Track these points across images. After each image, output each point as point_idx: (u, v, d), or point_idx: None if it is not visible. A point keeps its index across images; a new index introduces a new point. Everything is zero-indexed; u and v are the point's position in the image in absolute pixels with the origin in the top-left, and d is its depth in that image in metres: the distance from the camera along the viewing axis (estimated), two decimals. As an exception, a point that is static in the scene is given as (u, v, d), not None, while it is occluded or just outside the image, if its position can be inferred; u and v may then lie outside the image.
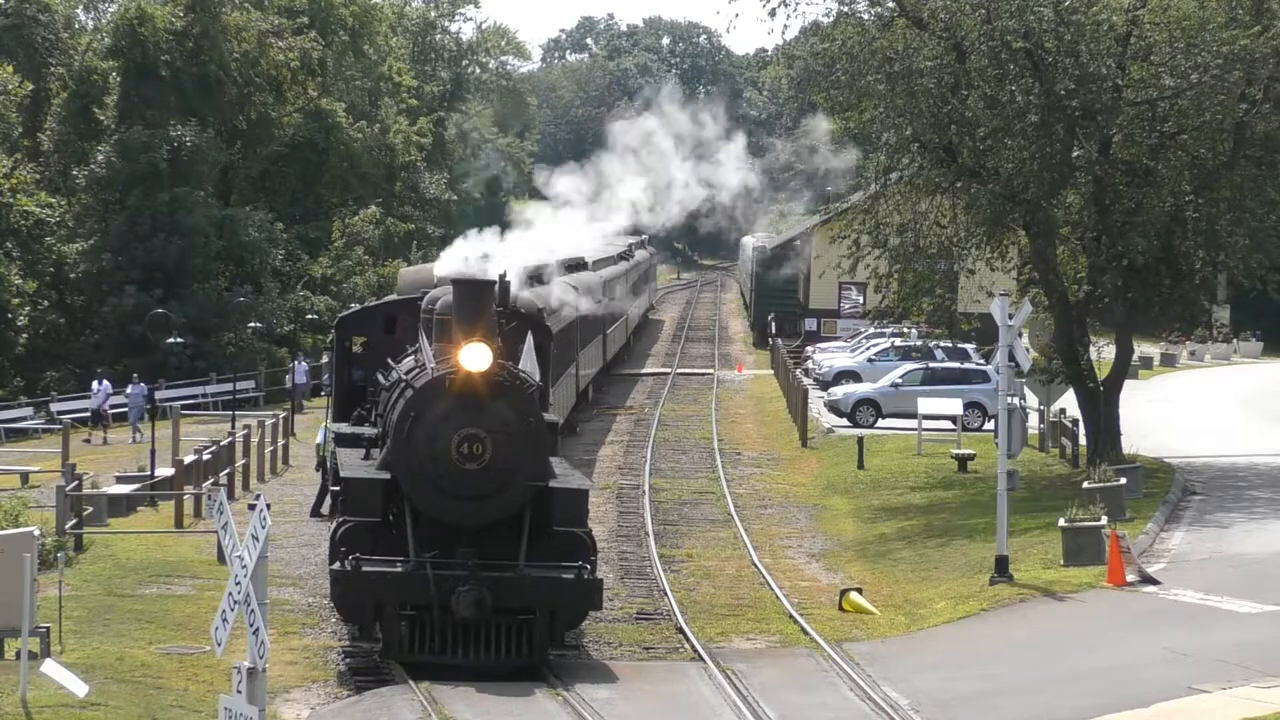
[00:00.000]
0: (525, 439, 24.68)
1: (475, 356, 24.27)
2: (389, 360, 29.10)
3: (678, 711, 22.12)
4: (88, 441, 58.59)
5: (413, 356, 28.24)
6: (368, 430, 28.75)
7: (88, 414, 65.38)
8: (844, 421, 57.52)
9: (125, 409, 63.89)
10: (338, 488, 27.18)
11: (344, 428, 29.93)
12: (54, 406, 68.04)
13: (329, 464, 32.76)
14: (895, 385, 58.07)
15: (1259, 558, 32.08)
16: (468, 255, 30.25)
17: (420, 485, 24.55)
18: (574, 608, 24.55)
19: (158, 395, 59.98)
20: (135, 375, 67.35)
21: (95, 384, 66.73)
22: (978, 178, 42.91)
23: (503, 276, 27.04)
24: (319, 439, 39.48)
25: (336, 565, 24.22)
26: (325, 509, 36.47)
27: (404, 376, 26.13)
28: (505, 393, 24.71)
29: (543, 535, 24.64)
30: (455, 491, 24.45)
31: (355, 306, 41.56)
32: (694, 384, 75.84)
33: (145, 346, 77.19)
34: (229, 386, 67.81)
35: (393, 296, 37.31)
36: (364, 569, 23.82)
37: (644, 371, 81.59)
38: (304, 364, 71.37)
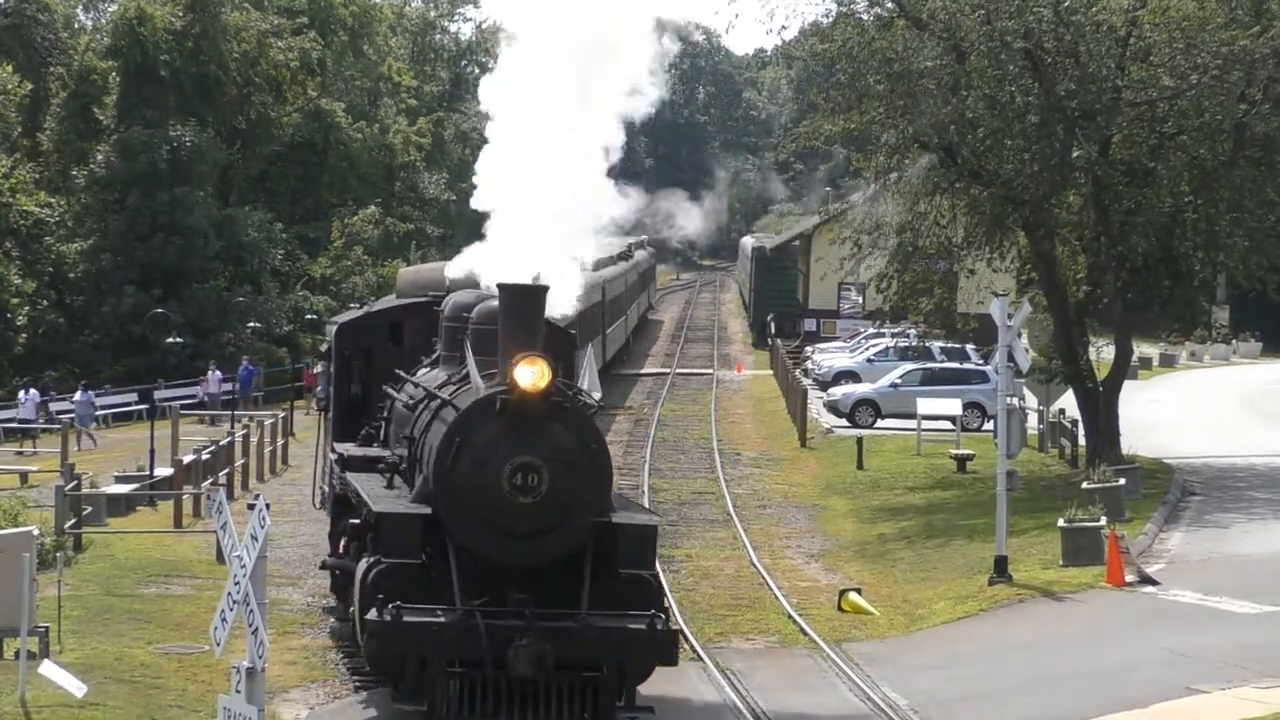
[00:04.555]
0: (586, 468, 21.01)
1: (532, 373, 20.52)
2: (398, 372, 26.55)
3: (678, 714, 22.07)
4: (20, 453, 56.72)
5: (438, 369, 25.18)
6: (380, 451, 25.68)
7: (15, 424, 63.53)
8: (843, 422, 57.55)
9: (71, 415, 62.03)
10: (356, 520, 23.30)
11: (351, 448, 26.63)
12: None
13: (332, 487, 27.79)
14: (894, 385, 58.12)
15: (1258, 558, 32.09)
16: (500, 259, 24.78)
17: (466, 521, 20.84)
18: (645, 662, 21.00)
19: (156, 395, 59.88)
20: (84, 382, 67.30)
21: (22, 393, 64.83)
22: (978, 178, 42.95)
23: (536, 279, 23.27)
24: (319, 468, 32.24)
25: (373, 614, 20.33)
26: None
27: (441, 394, 22.78)
28: (564, 415, 21.09)
29: (604, 578, 21.03)
30: (507, 528, 20.73)
31: (354, 308, 40.27)
32: (693, 384, 75.83)
33: (145, 346, 77.32)
34: (227, 386, 67.76)
35: (392, 298, 33.88)
36: (405, 619, 20.15)
37: (643, 372, 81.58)
38: (218, 373, 68.19)
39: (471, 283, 24.87)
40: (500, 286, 21.71)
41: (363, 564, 21.42)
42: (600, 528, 21.09)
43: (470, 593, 20.41)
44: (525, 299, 21.44)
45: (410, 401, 24.36)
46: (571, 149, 21.80)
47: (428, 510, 21.09)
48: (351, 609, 23.55)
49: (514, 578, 20.77)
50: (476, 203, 23.82)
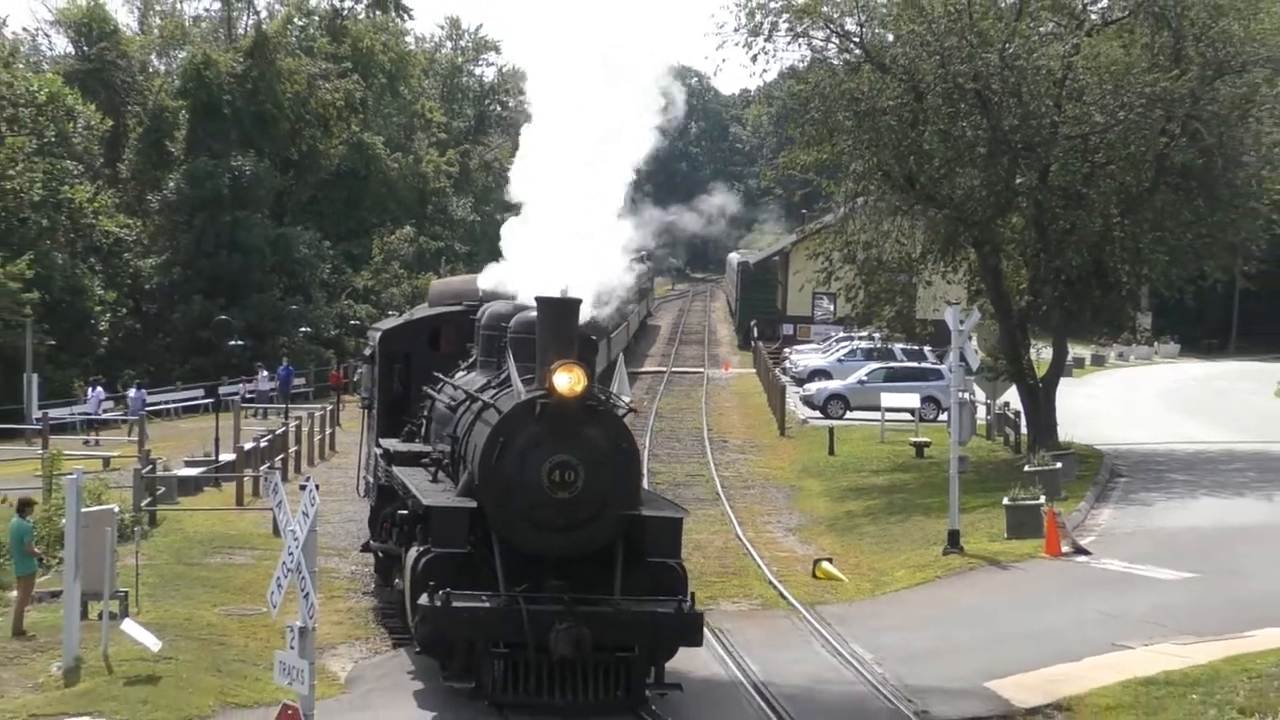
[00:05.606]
0: (618, 466, 20.36)
1: (569, 378, 19.97)
2: (436, 374, 25.90)
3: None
4: (86, 443, 55.73)
5: (475, 373, 24.44)
6: (422, 447, 25.04)
7: (84, 418, 62.13)
8: (817, 413, 57.58)
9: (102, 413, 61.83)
10: (404, 510, 22.63)
11: (395, 444, 25.83)
12: (52, 411, 61.96)
13: (376, 478, 27.19)
14: (861, 382, 58.15)
15: (1176, 531, 32.09)
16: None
17: (509, 514, 20.17)
18: (673, 643, 20.27)
19: (220, 391, 59.84)
20: (138, 382, 67.17)
21: (89, 390, 64.06)
22: (933, 202, 42.95)
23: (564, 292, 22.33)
24: (362, 460, 31.75)
25: (424, 600, 19.62)
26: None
27: (483, 397, 22.06)
28: (598, 417, 20.47)
29: (634, 566, 20.39)
30: (546, 521, 20.07)
31: (392, 315, 39.74)
32: (686, 381, 75.78)
33: (210, 348, 77.34)
34: (273, 384, 67.60)
35: (425, 306, 32.37)
36: (455, 604, 19.44)
37: (643, 370, 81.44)
38: (265, 372, 66.41)
39: (504, 294, 24.14)
40: (539, 299, 21.01)
41: (413, 553, 20.77)
42: (631, 520, 20.47)
43: (512, 580, 19.80)
44: (561, 310, 20.78)
45: (451, 402, 23.72)
46: (593, 180, 21.37)
47: (473, 504, 20.43)
48: (396, 585, 23.39)
49: (552, 566, 20.15)
50: (508, 228, 23.27)
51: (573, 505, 19.97)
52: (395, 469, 23.89)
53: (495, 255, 25.93)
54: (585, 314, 21.53)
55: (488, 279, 25.22)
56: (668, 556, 20.52)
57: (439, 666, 20.26)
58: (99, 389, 63.67)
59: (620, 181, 21.60)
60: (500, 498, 20.16)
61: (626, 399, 22.72)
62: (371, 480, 27.93)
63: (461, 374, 25.01)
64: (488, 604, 19.53)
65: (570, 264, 20.96)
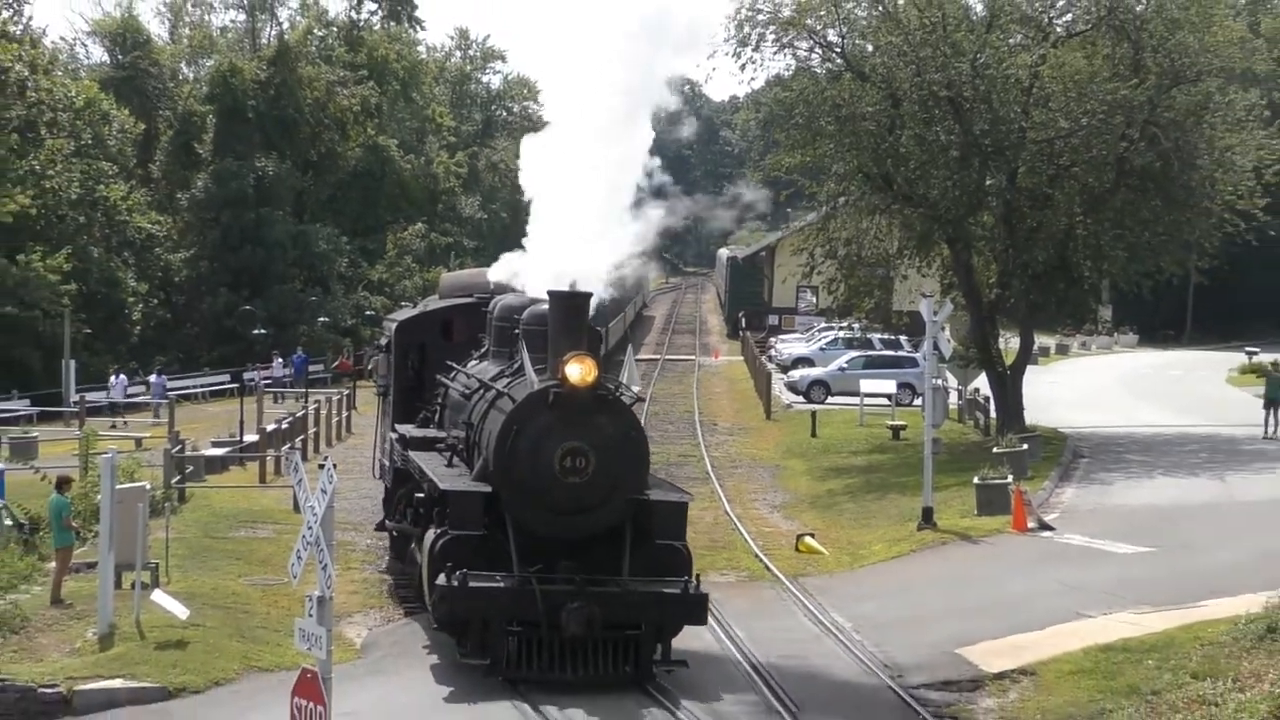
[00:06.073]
0: (627, 452, 19.98)
1: (581, 369, 19.62)
2: (449, 363, 25.53)
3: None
4: (114, 425, 55.45)
5: (487, 363, 23.99)
6: (437, 433, 24.58)
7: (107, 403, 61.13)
8: (800, 398, 57.54)
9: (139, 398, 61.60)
10: (421, 494, 22.22)
11: (411, 429, 25.31)
12: (83, 395, 62.29)
13: (393, 462, 26.59)
14: (842, 369, 58.09)
15: (1134, 508, 32.11)
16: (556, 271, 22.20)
17: (522, 498, 19.77)
18: (679, 621, 19.89)
19: (246, 375, 59.80)
20: (157, 369, 67.05)
21: (113, 378, 63.42)
22: (909, 201, 42.95)
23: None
24: (378, 443, 30.98)
25: (442, 580, 19.18)
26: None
27: (497, 386, 21.61)
28: (608, 406, 20.06)
29: (642, 547, 19.96)
30: (558, 505, 19.69)
31: (405, 306, 39.41)
32: (679, 368, 75.71)
33: (235, 336, 77.43)
34: (287, 371, 67.52)
35: (435, 298, 30.89)
36: (471, 584, 19.02)
37: (638, 358, 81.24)
38: (123, 378, 64.16)
39: (515, 288, 23.77)
40: (551, 293, 20.70)
41: (430, 535, 20.34)
42: (638, 504, 20.12)
43: (525, 561, 19.43)
44: (573, 304, 20.47)
45: (465, 390, 23.35)
46: (601, 181, 20.82)
47: (488, 488, 20.03)
48: (415, 563, 22.87)
49: (563, 547, 19.72)
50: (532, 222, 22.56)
51: (583, 490, 19.62)
52: (412, 453, 23.58)
53: (501, 250, 25.70)
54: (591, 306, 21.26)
55: (497, 272, 24.86)
56: (674, 539, 20.19)
57: (455, 643, 19.97)
58: (122, 376, 63.53)
59: (627, 182, 21.20)
60: (514, 482, 19.81)
61: (635, 388, 22.42)
62: (387, 463, 27.67)
63: (474, 363, 24.71)
64: (502, 584, 19.21)
65: (578, 259, 20.59)
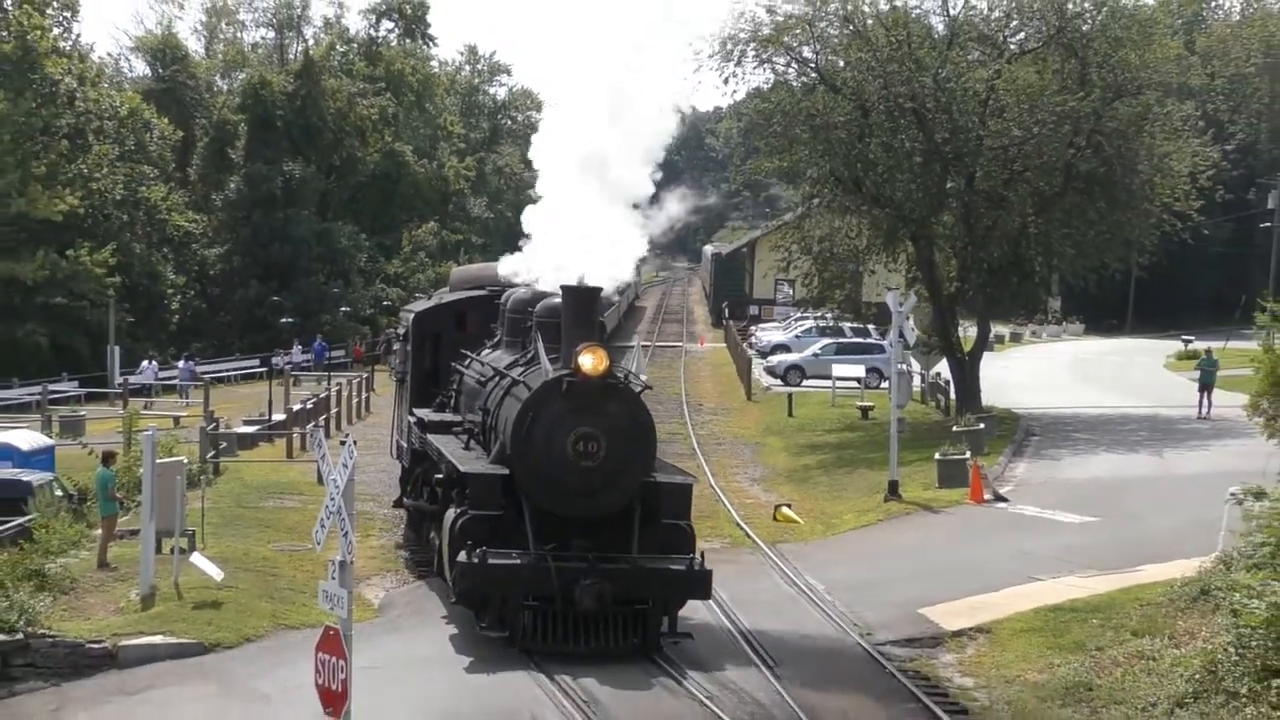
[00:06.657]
0: (636, 438, 19.65)
1: (593, 359, 19.24)
2: (464, 351, 25.24)
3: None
4: (145, 407, 55.26)
5: (500, 351, 23.54)
6: (452, 417, 24.13)
7: (139, 386, 60.23)
8: (778, 381, 57.48)
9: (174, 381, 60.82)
10: (441, 475, 21.73)
11: (428, 414, 24.91)
12: (126, 377, 60.85)
13: (410, 443, 26.13)
14: (816, 355, 58.07)
15: (1081, 482, 32.16)
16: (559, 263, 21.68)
17: (538, 481, 19.39)
18: (684, 596, 19.62)
19: (273, 360, 59.64)
20: (185, 354, 66.85)
21: (145, 363, 62.70)
22: (877, 203, 42.95)
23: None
24: (395, 426, 30.26)
25: (462, 557, 18.89)
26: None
27: (512, 374, 21.26)
28: (618, 394, 19.70)
29: (649, 526, 19.64)
30: (571, 488, 19.28)
31: (420, 297, 39.03)
32: (668, 354, 75.63)
33: (264, 325, 77.27)
34: (306, 357, 67.28)
35: (446, 290, 30.45)
36: (490, 561, 18.73)
37: (631, 344, 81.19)
38: (154, 364, 63.31)
39: (524, 281, 23.21)
40: (564, 287, 20.28)
41: (451, 514, 19.96)
42: (646, 486, 19.79)
43: (540, 540, 19.13)
44: (584, 297, 20.15)
45: (480, 378, 22.84)
46: (605, 181, 20.64)
47: (506, 471, 19.64)
48: (430, 537, 22.79)
49: (576, 527, 19.38)
50: (528, 217, 22.27)
51: (595, 473, 19.29)
52: (430, 436, 23.27)
53: (507, 247, 25.50)
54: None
55: (506, 266, 24.41)
56: (679, 518, 19.88)
57: (474, 616, 19.65)
58: (153, 362, 63.42)
59: (630, 183, 20.91)
60: (530, 465, 19.46)
61: (643, 377, 22.21)
62: (404, 445, 27.35)
63: (487, 352, 24.39)
64: (519, 561, 18.92)
65: (585, 254, 20.27)
